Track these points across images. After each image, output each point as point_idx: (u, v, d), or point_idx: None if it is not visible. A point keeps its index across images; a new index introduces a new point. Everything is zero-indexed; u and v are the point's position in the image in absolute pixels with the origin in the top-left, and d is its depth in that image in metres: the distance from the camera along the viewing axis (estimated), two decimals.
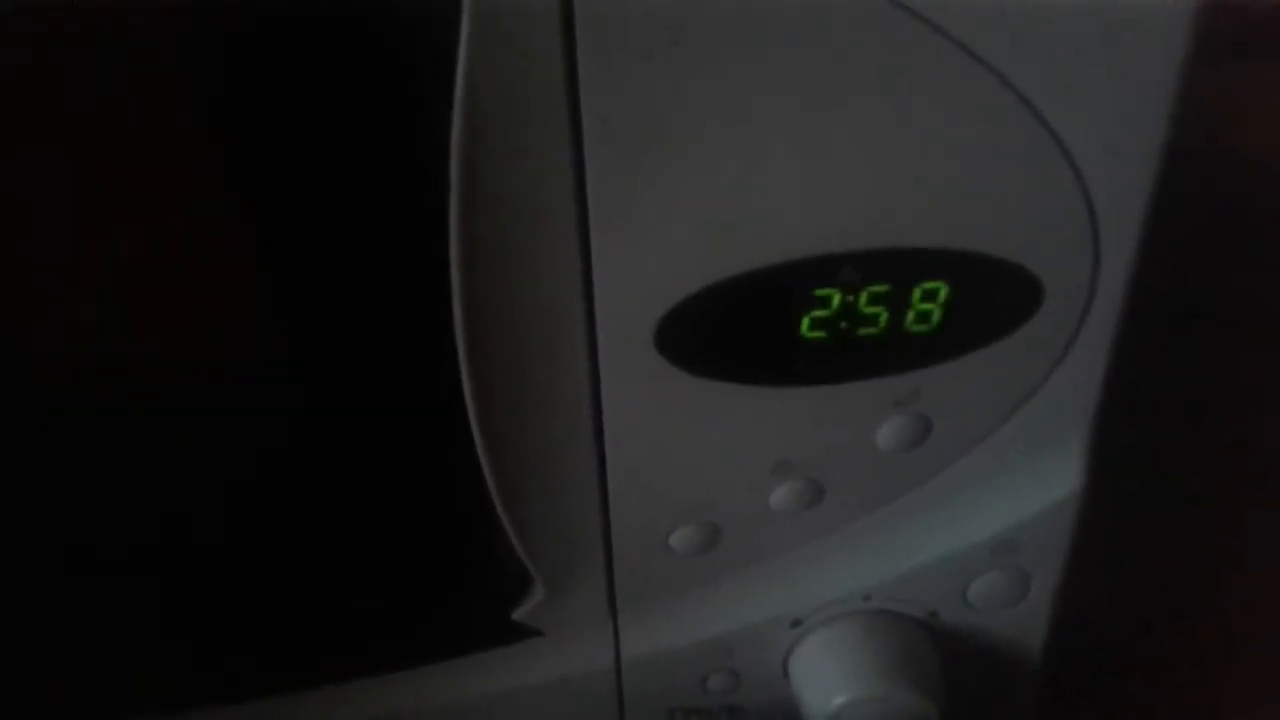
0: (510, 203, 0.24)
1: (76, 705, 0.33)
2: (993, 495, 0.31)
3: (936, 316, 0.27)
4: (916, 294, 0.27)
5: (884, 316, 0.27)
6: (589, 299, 0.26)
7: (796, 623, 0.33)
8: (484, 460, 0.27)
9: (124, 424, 0.28)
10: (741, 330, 0.27)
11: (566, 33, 0.22)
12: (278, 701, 0.34)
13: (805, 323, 0.27)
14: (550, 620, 0.32)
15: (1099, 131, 0.25)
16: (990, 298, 0.27)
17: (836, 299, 0.26)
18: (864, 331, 0.27)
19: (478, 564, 0.31)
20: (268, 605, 0.32)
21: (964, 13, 0.23)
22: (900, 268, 0.26)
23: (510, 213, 0.24)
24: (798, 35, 0.23)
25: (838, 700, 0.32)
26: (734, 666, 0.34)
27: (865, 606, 0.33)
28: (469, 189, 0.23)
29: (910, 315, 0.27)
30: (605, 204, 0.24)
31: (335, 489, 0.30)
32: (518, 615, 0.32)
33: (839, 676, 0.32)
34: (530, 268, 0.25)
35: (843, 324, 0.27)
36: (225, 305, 0.26)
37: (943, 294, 0.27)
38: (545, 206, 0.24)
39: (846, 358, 0.27)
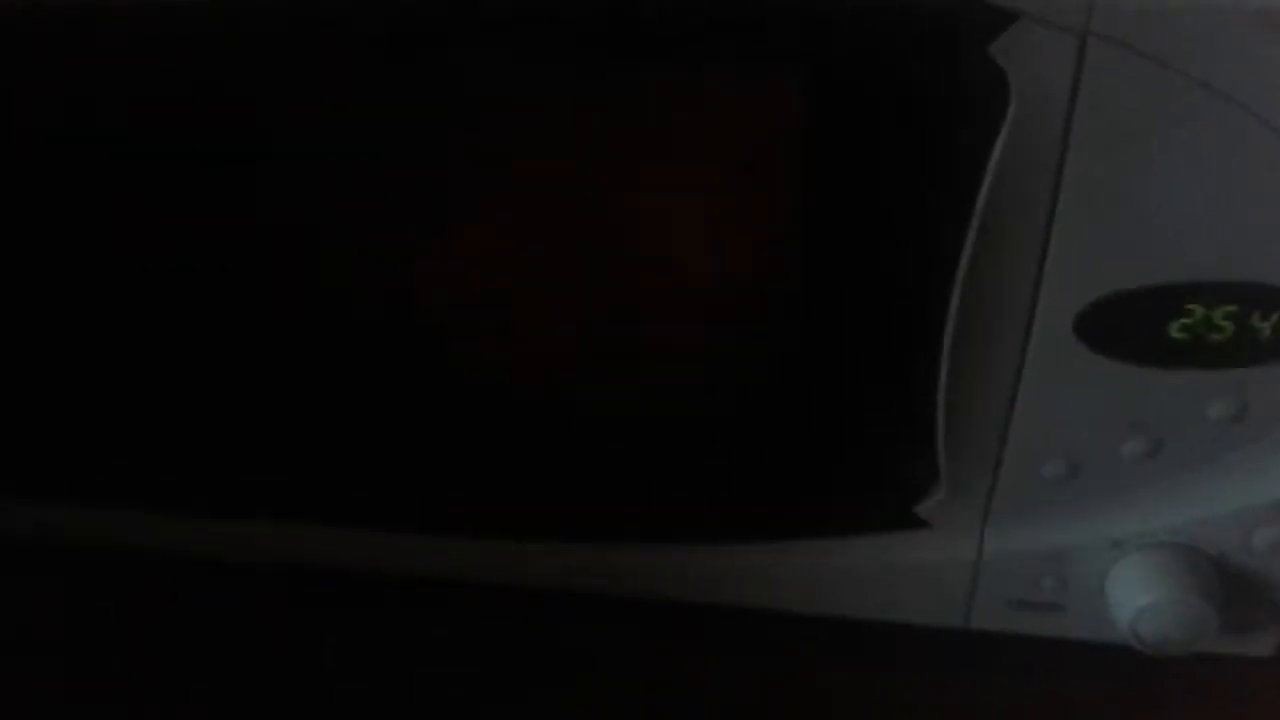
0: (1005, 230, 0.38)
1: None
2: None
3: (1266, 333, 0.39)
4: (1255, 315, 0.39)
5: (1229, 328, 0.40)
6: (1036, 292, 0.39)
7: (1116, 544, 0.46)
8: (941, 394, 0.42)
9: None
10: (1132, 324, 0.40)
11: (1064, 134, 0.36)
12: (690, 550, 0.49)
13: (1174, 325, 0.40)
14: (939, 516, 0.46)
15: None
16: None
17: (1199, 312, 0.39)
18: (1214, 337, 0.40)
19: (907, 466, 0.45)
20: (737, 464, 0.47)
21: None
22: (1246, 296, 0.39)
23: (1003, 235, 0.38)
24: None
25: (1146, 599, 0.44)
26: (1064, 573, 0.47)
27: (1170, 540, 0.45)
28: (984, 222, 0.37)
29: (1248, 330, 0.39)
30: (1062, 235, 0.38)
31: (830, 388, 0.45)
32: (919, 509, 0.46)
33: (1149, 583, 0.45)
34: (1005, 270, 0.39)
35: (1200, 329, 0.40)
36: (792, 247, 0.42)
37: (1274, 318, 0.39)
38: (1023, 232, 0.38)
39: (1198, 353, 0.40)
